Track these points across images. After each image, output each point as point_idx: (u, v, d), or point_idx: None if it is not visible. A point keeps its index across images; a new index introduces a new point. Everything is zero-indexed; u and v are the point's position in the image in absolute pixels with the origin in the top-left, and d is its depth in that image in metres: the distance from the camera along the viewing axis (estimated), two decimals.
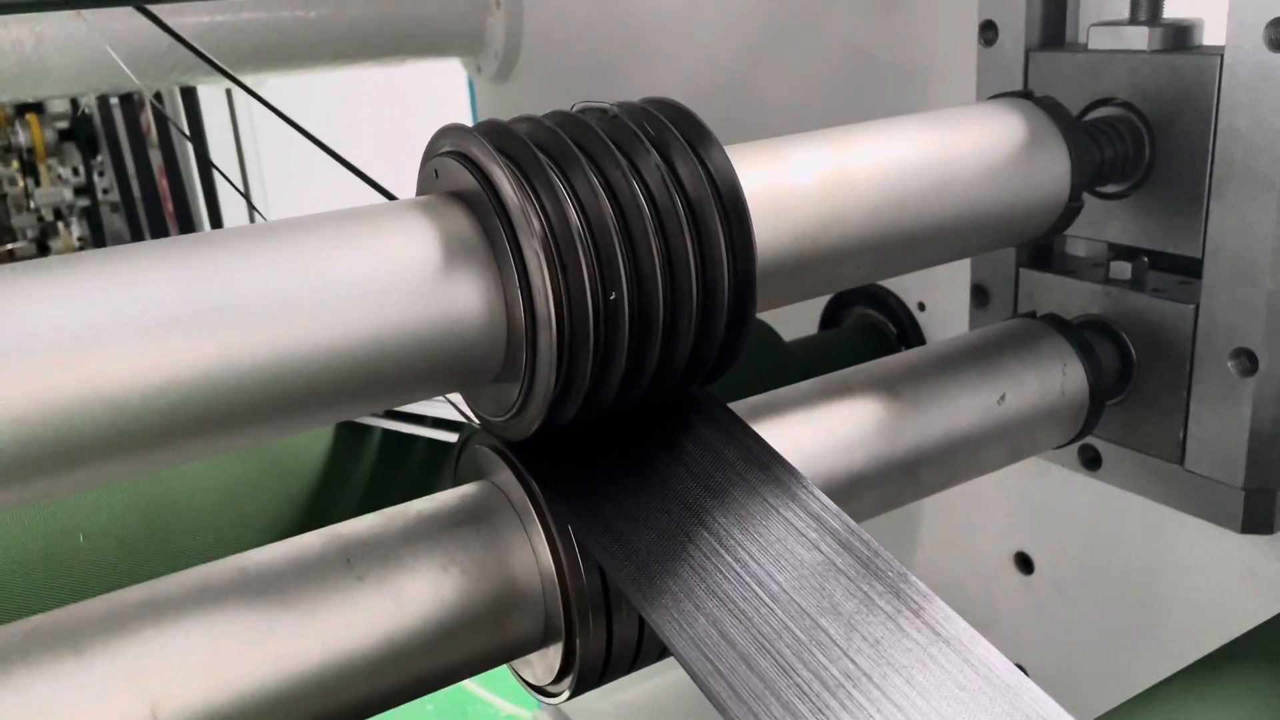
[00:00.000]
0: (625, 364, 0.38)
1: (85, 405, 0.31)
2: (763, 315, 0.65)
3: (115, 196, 3.20)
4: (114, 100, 2.97)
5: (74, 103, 3.15)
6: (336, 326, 0.35)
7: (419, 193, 0.41)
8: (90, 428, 0.32)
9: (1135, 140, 0.56)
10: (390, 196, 0.47)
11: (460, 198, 0.39)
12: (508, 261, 0.37)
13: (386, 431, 0.63)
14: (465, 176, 0.38)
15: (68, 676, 0.33)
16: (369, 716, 0.38)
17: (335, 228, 0.36)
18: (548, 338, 0.36)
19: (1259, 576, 0.61)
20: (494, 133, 0.38)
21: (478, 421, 0.43)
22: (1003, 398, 0.54)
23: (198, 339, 0.33)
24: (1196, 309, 0.55)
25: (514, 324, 0.37)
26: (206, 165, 2.67)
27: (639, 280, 0.38)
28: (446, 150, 0.39)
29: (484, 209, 0.37)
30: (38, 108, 3.21)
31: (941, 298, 0.76)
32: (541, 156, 0.37)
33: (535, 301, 0.36)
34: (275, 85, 1.14)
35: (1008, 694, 0.33)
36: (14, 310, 0.31)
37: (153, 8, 0.58)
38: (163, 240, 0.35)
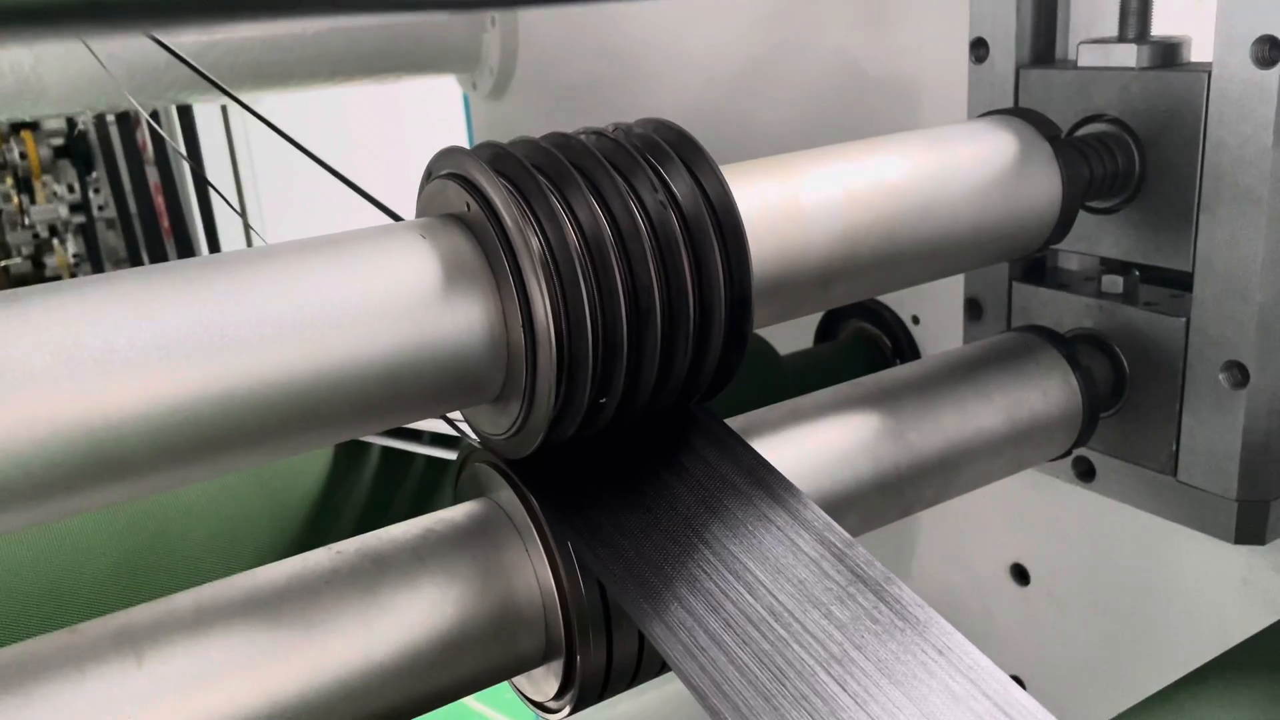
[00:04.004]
0: (624, 381, 0.39)
1: (87, 430, 0.32)
2: (758, 329, 0.66)
3: (111, 213, 3.20)
4: (110, 117, 2.97)
5: (69, 120, 3.15)
6: (337, 349, 0.35)
7: (418, 214, 0.42)
8: (91, 452, 0.32)
9: (1125, 156, 0.57)
10: (388, 211, 0.48)
11: (459, 219, 0.39)
12: (507, 282, 0.37)
13: (386, 449, 0.63)
14: (464, 198, 0.38)
15: (67, 698, 0.33)
16: None
17: (335, 251, 0.37)
18: (547, 357, 0.37)
19: (1253, 586, 0.61)
20: (492, 155, 0.39)
21: (477, 439, 0.43)
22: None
23: (198, 363, 0.33)
24: (1188, 322, 0.56)
25: (514, 344, 0.38)
26: (204, 185, 2.67)
27: (636, 299, 0.38)
28: (445, 172, 0.40)
29: (483, 230, 0.38)
30: (33, 124, 3.21)
31: (936, 311, 0.77)
32: (540, 178, 0.38)
33: (535, 321, 0.37)
34: (271, 102, 1.15)
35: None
36: (19, 336, 0.31)
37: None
38: (164, 265, 0.35)
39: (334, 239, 0.37)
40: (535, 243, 0.37)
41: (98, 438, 0.32)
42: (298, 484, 0.61)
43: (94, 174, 3.23)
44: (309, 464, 0.62)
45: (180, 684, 0.34)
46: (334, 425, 0.36)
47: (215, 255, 0.37)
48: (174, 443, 0.33)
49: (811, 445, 0.49)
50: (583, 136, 0.41)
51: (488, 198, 0.38)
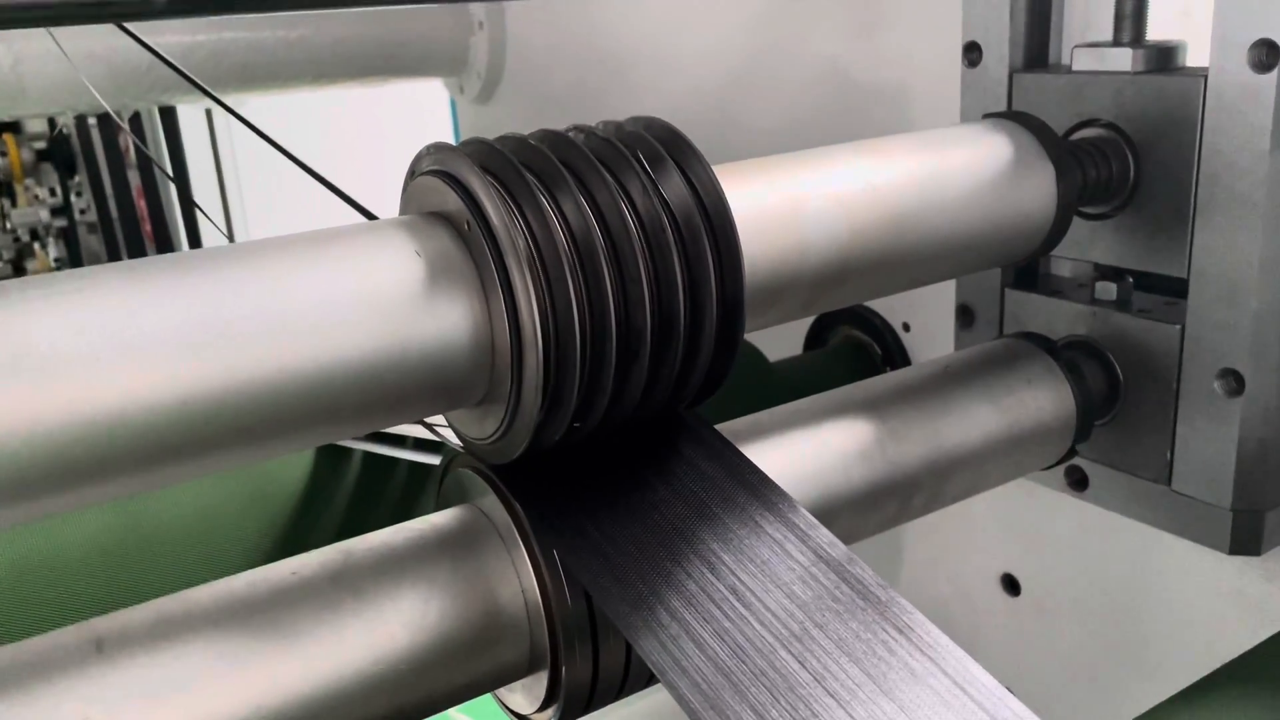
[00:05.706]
0: (612, 386, 0.38)
1: (67, 428, 0.31)
2: (748, 335, 0.65)
3: (93, 217, 3.18)
4: (92, 120, 2.95)
5: (51, 122, 3.13)
6: (318, 349, 0.34)
7: (402, 212, 0.41)
8: (72, 451, 0.31)
9: (1120, 161, 0.56)
10: (370, 215, 0.47)
11: (444, 217, 0.38)
12: (493, 282, 0.36)
13: (368, 454, 0.62)
14: (450, 196, 0.37)
15: (44, 706, 0.32)
16: None
17: (317, 248, 0.36)
18: (534, 359, 0.36)
19: (1247, 598, 0.61)
20: (479, 151, 0.38)
21: (461, 444, 0.42)
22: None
23: (177, 361, 0.32)
24: (1182, 330, 0.55)
25: (499, 345, 0.37)
26: (188, 199, 2.65)
27: (626, 301, 0.37)
28: (430, 169, 0.39)
29: (469, 229, 0.37)
30: (14, 127, 3.19)
31: (927, 318, 0.76)
32: (527, 175, 0.37)
33: (521, 322, 0.36)
34: (256, 104, 1.14)
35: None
36: None
37: (132, 26, 0.58)
38: (143, 260, 0.34)
39: (315, 236, 0.36)
40: (522, 241, 0.36)
41: (78, 436, 0.31)
42: (279, 490, 0.60)
43: (76, 177, 3.20)
44: (290, 469, 0.61)
45: (155, 692, 0.33)
46: (313, 428, 0.35)
47: (192, 251, 0.36)
48: (153, 443, 0.32)
49: (800, 452, 0.48)
50: (571, 134, 0.40)
51: (473, 195, 0.37)
